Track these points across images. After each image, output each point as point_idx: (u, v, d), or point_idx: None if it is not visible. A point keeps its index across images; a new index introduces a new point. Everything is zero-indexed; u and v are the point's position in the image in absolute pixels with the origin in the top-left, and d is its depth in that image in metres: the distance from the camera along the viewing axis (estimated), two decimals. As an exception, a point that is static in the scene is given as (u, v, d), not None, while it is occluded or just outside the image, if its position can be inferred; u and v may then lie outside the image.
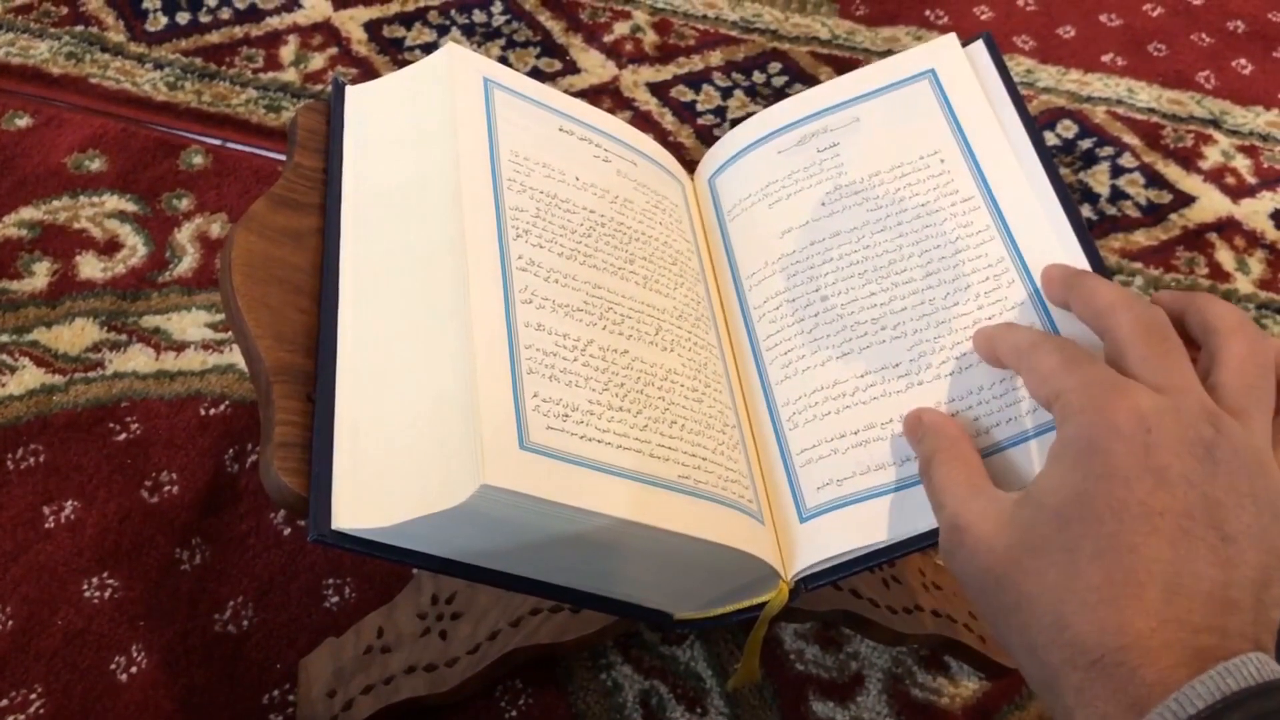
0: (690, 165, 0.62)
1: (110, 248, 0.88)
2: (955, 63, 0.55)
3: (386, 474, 0.43)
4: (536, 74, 1.05)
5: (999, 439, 0.44)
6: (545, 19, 1.11)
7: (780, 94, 1.06)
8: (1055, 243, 0.48)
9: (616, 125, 0.59)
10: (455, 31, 1.09)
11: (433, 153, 0.51)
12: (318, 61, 1.05)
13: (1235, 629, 0.33)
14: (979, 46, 0.56)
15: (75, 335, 0.82)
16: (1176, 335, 0.39)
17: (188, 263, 0.87)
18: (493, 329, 0.44)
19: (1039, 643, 0.34)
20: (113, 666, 0.67)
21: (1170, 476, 0.34)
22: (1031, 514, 0.36)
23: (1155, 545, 0.33)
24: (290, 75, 1.03)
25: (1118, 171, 1.02)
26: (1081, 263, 0.47)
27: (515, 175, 0.51)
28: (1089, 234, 0.48)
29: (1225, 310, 0.40)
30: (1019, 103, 0.53)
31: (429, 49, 1.06)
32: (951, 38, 0.56)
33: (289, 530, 0.73)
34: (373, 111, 0.55)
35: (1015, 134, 0.52)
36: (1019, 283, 0.47)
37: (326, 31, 1.08)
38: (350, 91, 0.56)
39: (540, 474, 0.41)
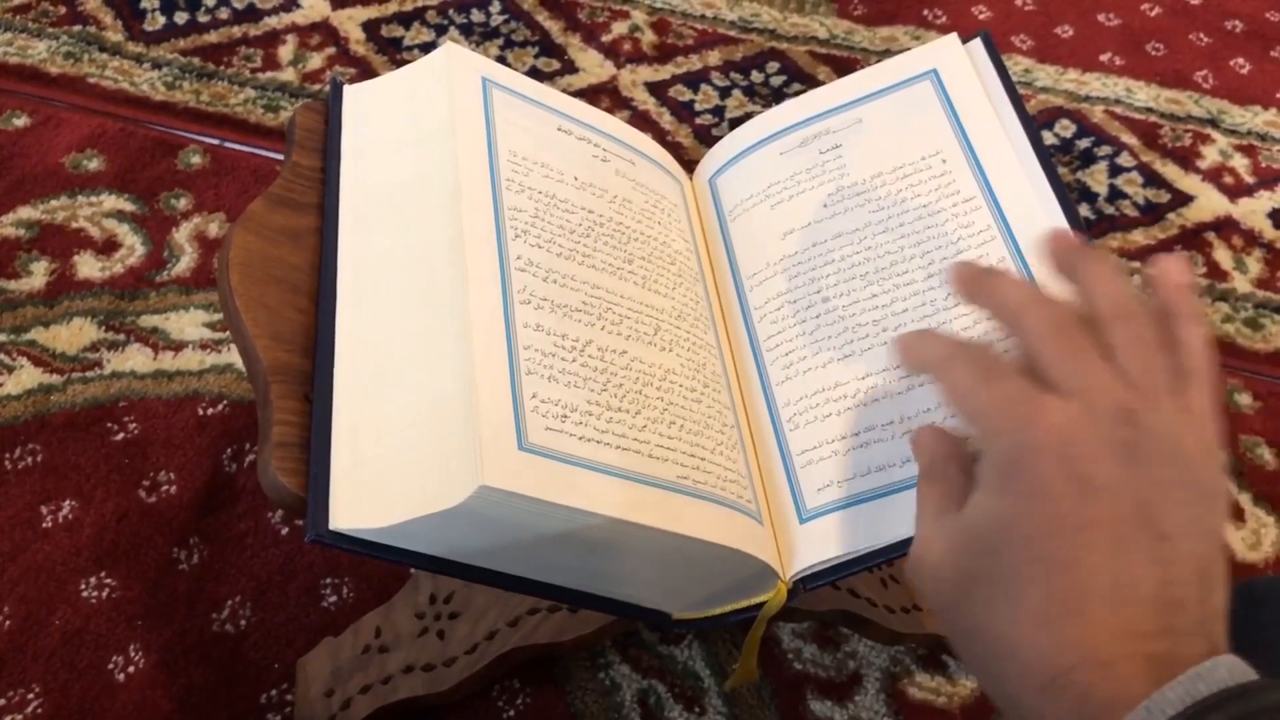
0: (689, 165, 0.62)
1: (108, 247, 0.88)
2: (957, 63, 0.55)
3: (385, 474, 0.43)
4: (535, 74, 1.05)
5: None
6: (543, 19, 1.11)
7: (778, 93, 1.06)
8: (1039, 209, 0.48)
9: (615, 125, 0.59)
10: (453, 31, 1.09)
11: (431, 152, 0.51)
12: (316, 61, 1.05)
13: (1184, 628, 0.32)
14: (976, 45, 0.56)
15: (73, 335, 0.82)
16: (1086, 331, 0.37)
17: (186, 262, 0.87)
18: (491, 329, 0.44)
19: (994, 669, 0.34)
20: (110, 666, 0.67)
21: (1096, 485, 0.34)
22: (969, 541, 0.36)
23: (1092, 558, 0.33)
24: (288, 75, 1.03)
25: (1116, 171, 1.02)
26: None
27: (514, 175, 0.51)
28: (1087, 234, 0.48)
29: (1106, 292, 0.38)
30: (1017, 102, 0.53)
31: (427, 49, 1.06)
32: (953, 38, 0.56)
33: (287, 530, 0.73)
34: (371, 111, 0.55)
35: (1014, 133, 0.52)
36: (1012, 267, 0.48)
37: (325, 31, 1.08)
38: (348, 91, 0.56)
39: (539, 475, 0.41)
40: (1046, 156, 0.51)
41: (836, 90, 0.58)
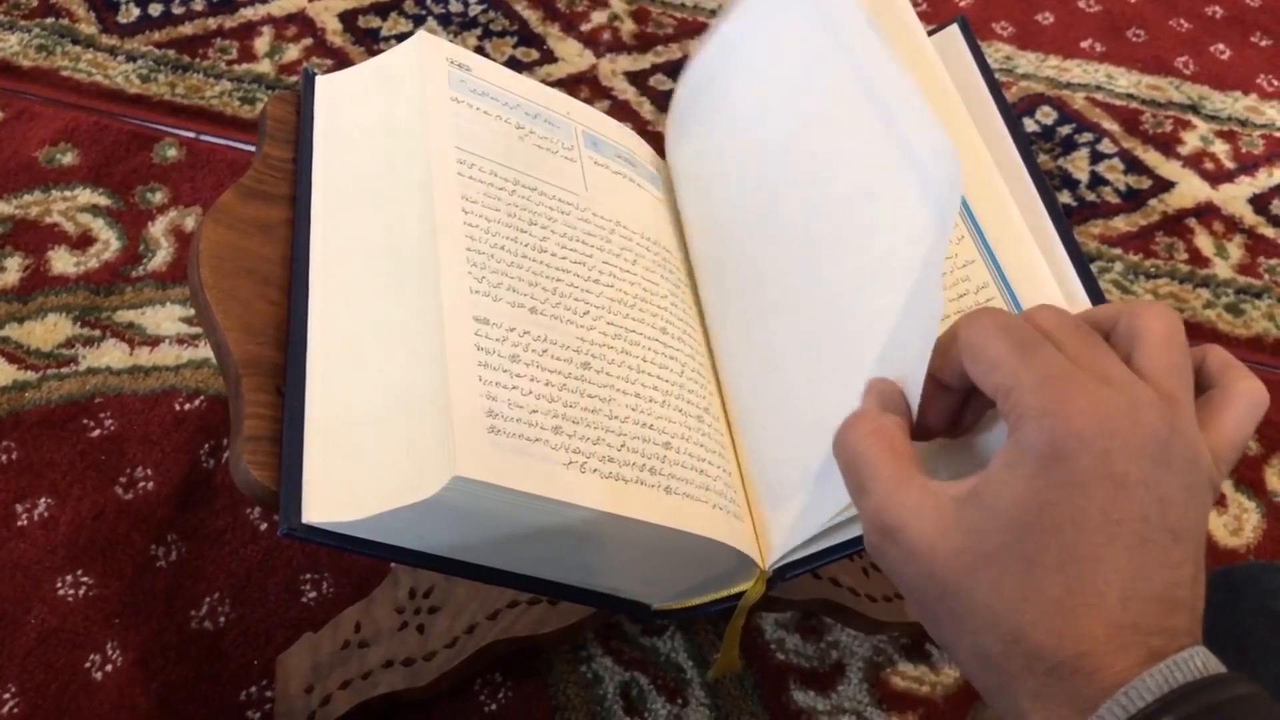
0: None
1: (83, 242, 0.87)
2: None
3: (358, 466, 0.42)
4: (513, 63, 1.05)
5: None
6: (522, 8, 1.10)
7: (759, 82, 1.05)
8: (1003, 190, 0.47)
9: (585, 114, 0.58)
10: (431, 21, 1.08)
11: (402, 143, 0.50)
12: (292, 53, 1.04)
13: (1182, 627, 0.33)
14: (953, 30, 0.55)
15: (48, 331, 0.81)
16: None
17: (161, 257, 0.86)
18: (463, 320, 0.43)
19: (992, 651, 0.34)
20: (88, 665, 0.67)
21: (1130, 482, 0.33)
22: (983, 518, 0.34)
23: (1115, 554, 0.33)
24: (265, 67, 1.02)
25: (1097, 157, 1.02)
26: (1053, 240, 0.47)
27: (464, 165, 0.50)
28: (1066, 221, 0.48)
29: (1134, 301, 0.39)
30: (995, 89, 0.53)
31: (404, 39, 1.05)
32: None
33: (265, 526, 0.72)
34: (343, 102, 0.55)
35: (992, 120, 0.52)
36: (968, 238, 0.47)
37: (301, 22, 1.07)
38: (320, 81, 0.56)
39: (512, 466, 0.40)
40: (1026, 144, 0.51)
41: (714, 39, 0.57)
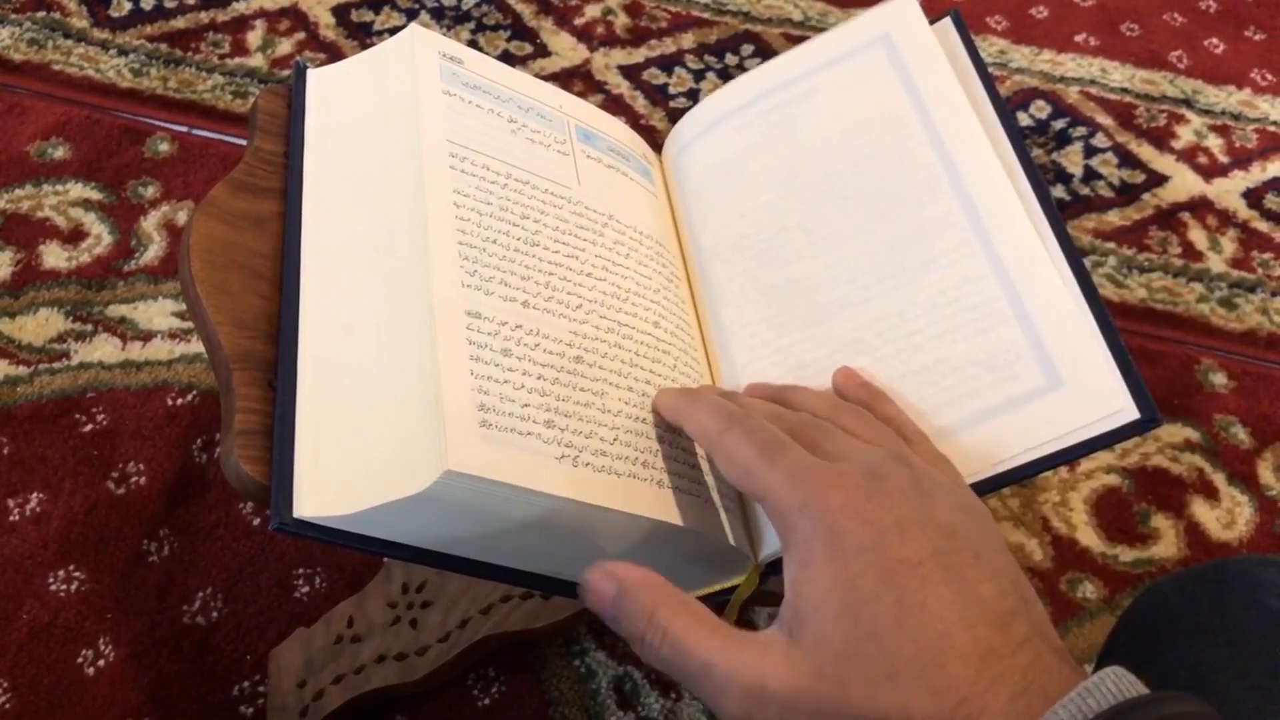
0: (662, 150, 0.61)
1: (75, 237, 0.87)
2: (910, 24, 0.54)
3: (349, 461, 0.42)
4: (506, 57, 1.04)
5: (963, 414, 0.44)
6: (515, 2, 1.10)
7: (753, 76, 1.05)
8: (1015, 203, 0.48)
9: (579, 108, 0.58)
10: (424, 15, 1.08)
11: (394, 136, 0.50)
12: (285, 46, 1.03)
13: (1023, 633, 0.33)
14: (946, 24, 0.55)
15: (39, 326, 0.81)
16: (817, 423, 0.41)
17: (154, 251, 0.86)
18: (454, 314, 0.43)
19: None
20: (80, 660, 0.66)
21: (908, 526, 0.34)
22: (816, 628, 0.34)
23: (936, 592, 0.33)
24: (257, 61, 1.02)
25: (1091, 151, 1.02)
26: (1047, 234, 0.47)
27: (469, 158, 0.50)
28: (1059, 215, 0.48)
29: (810, 398, 0.44)
30: (989, 83, 0.53)
31: (397, 33, 1.05)
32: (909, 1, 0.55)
33: (258, 521, 0.72)
34: (335, 95, 0.54)
35: (985, 114, 0.52)
36: (981, 256, 0.47)
37: (294, 16, 1.06)
38: (312, 75, 0.56)
39: (504, 459, 0.40)
40: (1019, 138, 0.51)
41: (791, 60, 0.57)
